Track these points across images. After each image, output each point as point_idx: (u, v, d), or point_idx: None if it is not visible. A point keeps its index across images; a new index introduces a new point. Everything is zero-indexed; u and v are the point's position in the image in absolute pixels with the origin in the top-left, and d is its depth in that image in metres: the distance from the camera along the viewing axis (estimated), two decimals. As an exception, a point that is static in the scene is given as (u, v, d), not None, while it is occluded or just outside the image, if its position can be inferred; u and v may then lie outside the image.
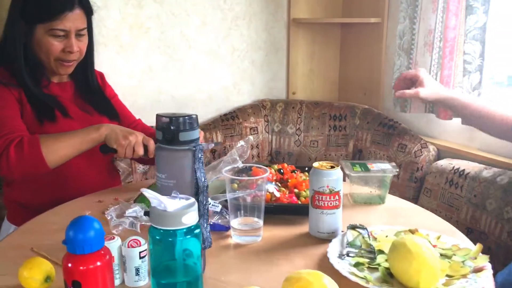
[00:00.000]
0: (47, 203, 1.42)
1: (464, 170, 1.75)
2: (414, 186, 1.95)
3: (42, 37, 1.35)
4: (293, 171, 1.48)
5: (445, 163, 1.85)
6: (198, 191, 0.90)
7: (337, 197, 1.09)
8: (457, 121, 1.88)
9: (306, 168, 1.53)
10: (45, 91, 1.42)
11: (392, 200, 1.38)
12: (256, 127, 2.24)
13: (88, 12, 1.42)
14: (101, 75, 1.63)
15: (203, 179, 0.90)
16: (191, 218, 0.77)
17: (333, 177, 1.09)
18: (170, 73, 2.16)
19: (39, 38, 1.36)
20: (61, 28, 1.35)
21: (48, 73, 1.45)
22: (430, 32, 1.90)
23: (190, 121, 0.89)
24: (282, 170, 1.46)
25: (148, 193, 0.76)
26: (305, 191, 1.33)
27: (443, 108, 1.78)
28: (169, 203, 0.76)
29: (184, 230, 0.77)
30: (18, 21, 1.35)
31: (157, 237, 0.78)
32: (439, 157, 1.95)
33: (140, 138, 1.31)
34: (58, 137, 1.28)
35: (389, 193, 1.37)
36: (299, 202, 1.28)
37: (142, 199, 1.25)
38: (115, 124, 1.55)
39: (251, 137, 1.17)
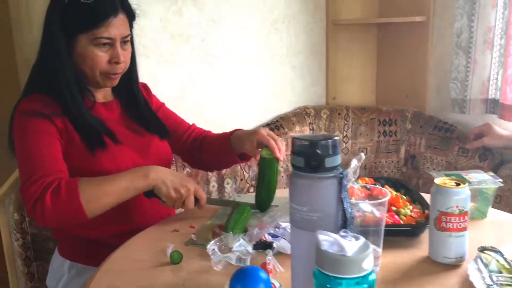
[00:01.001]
0: (104, 236, 1.29)
1: (540, 173, 1.66)
2: (480, 192, 1.85)
3: (86, 48, 1.21)
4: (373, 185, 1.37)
5: (515, 166, 1.76)
6: (345, 224, 0.78)
7: (466, 217, 0.98)
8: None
9: (391, 181, 1.43)
10: (91, 114, 1.27)
11: (493, 214, 1.28)
12: (302, 136, 2.12)
13: (131, 17, 1.29)
14: (145, 86, 1.49)
15: (349, 210, 0.78)
16: (369, 262, 0.65)
17: (462, 196, 0.97)
18: (211, 82, 2.02)
19: (82, 50, 1.21)
20: (106, 36, 1.20)
21: (93, 87, 1.31)
22: (489, 29, 1.81)
23: (334, 144, 0.77)
24: (368, 186, 1.35)
25: (323, 235, 0.64)
26: (403, 208, 1.22)
27: None
28: (347, 246, 0.64)
29: (361, 277, 0.65)
30: (58, 33, 1.21)
31: (328, 285, 0.65)
32: (503, 160, 1.86)
33: (193, 189, 1.20)
34: (99, 183, 1.13)
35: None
36: (401, 222, 1.17)
37: (232, 227, 1.12)
38: (165, 142, 1.42)
39: (362, 154, 1.05)
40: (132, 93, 1.38)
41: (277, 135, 2.04)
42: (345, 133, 2.14)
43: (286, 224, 1.06)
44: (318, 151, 0.75)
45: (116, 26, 1.21)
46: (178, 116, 1.54)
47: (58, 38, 1.21)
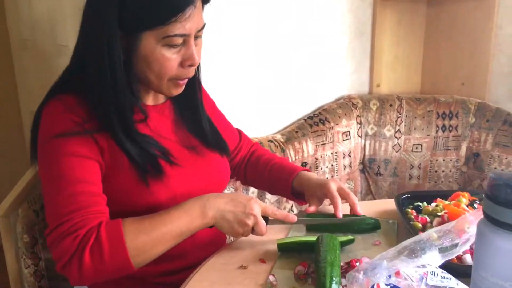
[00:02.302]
0: (147, 274, 1.02)
1: None
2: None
3: (153, 50, 0.89)
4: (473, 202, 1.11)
5: None
6: None
7: None
8: None
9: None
10: (141, 131, 0.97)
11: None
12: (349, 131, 1.84)
13: (206, 0, 0.96)
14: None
15: None
16: None
17: None
18: (246, 72, 1.72)
19: (147, 52, 0.89)
20: (181, 33, 0.89)
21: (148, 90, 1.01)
22: None
23: None
24: (475, 204, 1.09)
25: None
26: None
27: None
28: None
29: None
30: (113, 30, 0.87)
31: None
32: None
33: (259, 212, 0.95)
34: (148, 229, 0.87)
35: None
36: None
37: (330, 276, 0.84)
38: (225, 159, 1.14)
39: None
40: (193, 95, 1.07)
41: (322, 131, 1.78)
42: (397, 128, 1.87)
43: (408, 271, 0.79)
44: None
45: (193, 19, 0.90)
46: (228, 122, 1.26)
47: (113, 36, 0.87)
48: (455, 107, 1.85)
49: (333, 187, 1.08)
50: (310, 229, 1.07)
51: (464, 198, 1.10)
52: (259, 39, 1.73)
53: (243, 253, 1.00)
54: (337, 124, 1.81)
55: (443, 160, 1.86)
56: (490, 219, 0.51)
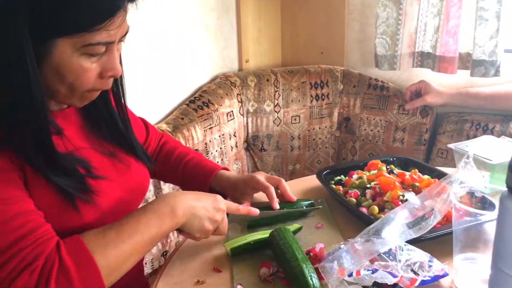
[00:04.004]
0: None
1: (487, 124, 1.68)
2: (423, 149, 1.82)
3: (69, 59, 0.73)
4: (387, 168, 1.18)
5: (458, 119, 1.76)
6: None
7: None
8: (446, 76, 1.78)
9: (392, 159, 1.26)
10: (57, 148, 0.78)
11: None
12: (232, 111, 1.80)
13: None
14: None
15: None
16: None
17: None
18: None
19: (61, 62, 0.73)
20: (105, 42, 0.74)
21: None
22: (419, -22, 1.73)
23: None
24: (394, 170, 1.15)
25: None
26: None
27: (455, 106, 1.75)
28: None
29: None
30: (21, 35, 0.68)
31: None
32: (439, 115, 1.86)
33: (225, 209, 0.90)
34: (120, 240, 0.75)
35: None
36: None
37: (309, 275, 0.80)
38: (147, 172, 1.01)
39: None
40: (105, 99, 0.90)
41: (208, 114, 1.70)
42: (276, 102, 1.89)
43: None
44: None
45: (120, 24, 0.75)
46: (132, 113, 1.12)
47: (22, 41, 0.68)
48: (325, 76, 1.94)
49: (262, 178, 1.06)
50: (250, 226, 1.02)
51: (383, 166, 1.16)
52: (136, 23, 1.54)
53: (192, 266, 0.90)
54: (221, 105, 1.75)
55: (319, 128, 1.96)
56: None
